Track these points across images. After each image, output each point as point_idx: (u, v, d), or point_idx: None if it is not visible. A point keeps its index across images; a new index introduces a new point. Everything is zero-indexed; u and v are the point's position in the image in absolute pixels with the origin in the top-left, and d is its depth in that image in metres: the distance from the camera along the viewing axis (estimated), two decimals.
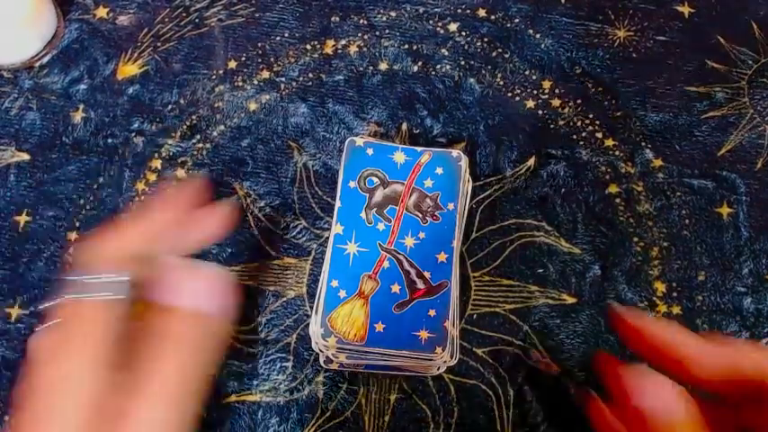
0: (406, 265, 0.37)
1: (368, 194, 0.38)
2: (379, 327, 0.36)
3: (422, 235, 0.38)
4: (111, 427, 0.26)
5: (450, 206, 0.38)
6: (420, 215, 0.38)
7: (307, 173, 0.43)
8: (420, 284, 0.37)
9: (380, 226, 0.38)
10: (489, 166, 0.43)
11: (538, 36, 0.47)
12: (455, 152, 0.40)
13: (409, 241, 0.38)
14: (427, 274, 0.37)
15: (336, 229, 0.38)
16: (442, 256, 0.38)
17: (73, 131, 0.45)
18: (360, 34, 0.47)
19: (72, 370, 0.27)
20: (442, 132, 0.44)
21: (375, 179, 0.38)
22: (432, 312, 0.36)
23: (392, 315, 0.36)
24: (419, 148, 0.39)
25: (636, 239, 0.42)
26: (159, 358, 0.27)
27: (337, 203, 0.39)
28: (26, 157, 0.44)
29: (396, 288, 0.37)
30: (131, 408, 0.27)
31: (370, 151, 0.39)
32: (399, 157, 0.39)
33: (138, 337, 0.28)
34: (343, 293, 0.37)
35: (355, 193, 0.38)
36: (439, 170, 0.39)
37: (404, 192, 0.38)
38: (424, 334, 0.36)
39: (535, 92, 0.46)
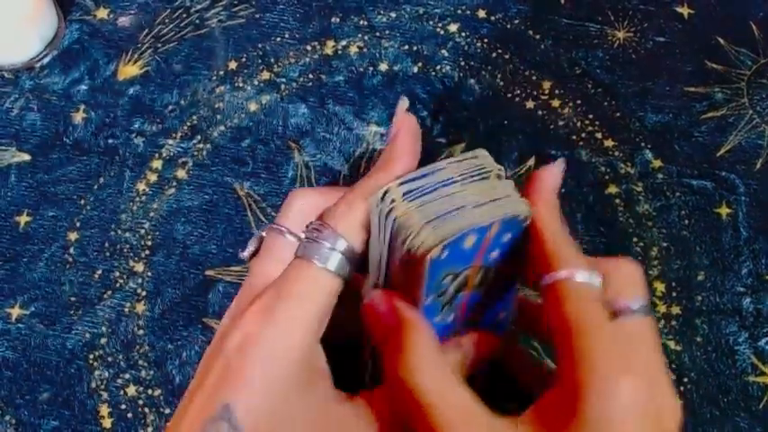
0: None
1: (442, 296, 0.30)
2: None
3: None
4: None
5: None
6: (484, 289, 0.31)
7: (307, 173, 0.44)
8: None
9: (450, 318, 0.31)
10: None
11: (538, 37, 0.47)
12: (522, 213, 0.28)
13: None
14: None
15: None
16: (501, 315, 0.33)
17: (73, 132, 0.45)
18: (360, 35, 0.47)
19: (270, 332, 0.26)
20: (441, 133, 0.44)
21: (449, 278, 0.29)
22: None
23: None
24: (487, 220, 0.27)
25: (635, 239, 0.42)
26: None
27: None
28: (27, 157, 0.44)
29: None
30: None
31: (444, 254, 0.27)
32: (470, 241, 0.28)
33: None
34: None
35: (431, 305, 0.30)
36: (506, 237, 0.29)
37: (470, 276, 0.30)
38: None
39: (535, 92, 0.46)
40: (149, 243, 0.42)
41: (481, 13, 0.48)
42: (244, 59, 0.47)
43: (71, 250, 0.42)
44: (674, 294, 0.41)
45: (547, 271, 0.26)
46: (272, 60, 0.47)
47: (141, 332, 0.40)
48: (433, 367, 0.26)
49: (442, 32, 0.47)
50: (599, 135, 0.45)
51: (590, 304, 0.25)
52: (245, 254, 0.31)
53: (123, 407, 0.39)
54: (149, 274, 0.42)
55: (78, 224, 0.43)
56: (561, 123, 0.45)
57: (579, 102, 0.45)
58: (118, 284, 0.41)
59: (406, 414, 0.26)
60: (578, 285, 0.26)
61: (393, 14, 0.48)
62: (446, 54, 0.47)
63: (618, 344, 0.25)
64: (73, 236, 0.42)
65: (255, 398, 0.25)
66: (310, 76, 0.46)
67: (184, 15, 0.48)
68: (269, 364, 0.25)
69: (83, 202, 0.43)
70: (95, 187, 0.44)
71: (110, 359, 0.40)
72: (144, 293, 0.41)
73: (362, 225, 0.27)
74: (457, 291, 0.29)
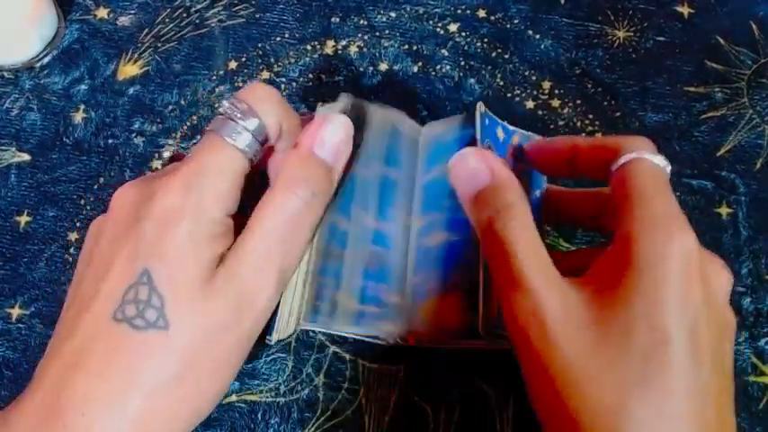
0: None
1: None
2: None
3: None
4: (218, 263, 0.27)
5: (537, 193, 0.36)
6: None
7: None
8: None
9: None
10: None
11: (537, 36, 0.47)
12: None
13: None
14: None
15: None
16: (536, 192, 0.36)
17: (74, 132, 0.45)
18: (360, 35, 0.47)
19: (191, 203, 0.27)
20: None
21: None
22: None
23: None
24: (511, 128, 0.35)
25: None
26: (276, 196, 0.28)
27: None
28: (27, 157, 0.44)
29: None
30: (240, 242, 0.27)
31: (487, 120, 0.33)
32: (500, 133, 0.34)
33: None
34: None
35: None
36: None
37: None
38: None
39: (535, 92, 0.46)
40: None
41: (481, 13, 0.48)
42: (244, 59, 0.47)
43: (71, 250, 0.42)
44: None
45: (614, 157, 0.29)
46: (272, 60, 0.47)
47: None
48: (525, 226, 0.27)
49: (441, 32, 0.47)
50: (599, 135, 0.45)
51: (659, 177, 0.28)
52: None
53: None
54: None
55: (78, 224, 0.43)
56: (561, 123, 0.45)
57: (579, 102, 0.45)
58: None
59: (490, 257, 0.28)
60: (648, 164, 0.28)
61: (393, 14, 0.48)
62: (446, 54, 0.47)
63: (677, 210, 0.27)
64: (73, 236, 0.42)
65: (176, 267, 0.26)
66: (310, 75, 0.46)
67: (184, 15, 0.48)
68: (188, 235, 0.26)
69: (83, 202, 0.43)
70: (95, 187, 0.44)
71: None
72: None
73: (281, 107, 0.29)
74: None
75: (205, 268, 0.26)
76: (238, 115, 0.28)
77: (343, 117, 0.31)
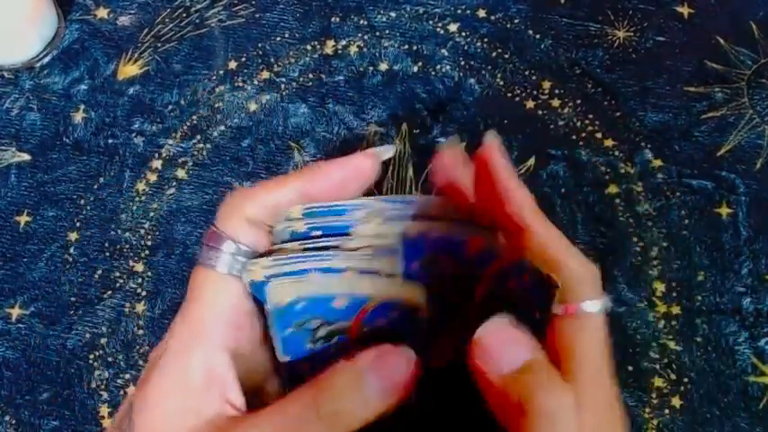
0: None
1: (311, 332, 0.29)
2: None
3: None
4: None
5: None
6: None
7: None
8: None
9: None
10: None
11: (537, 36, 0.47)
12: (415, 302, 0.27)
13: None
14: None
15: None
16: None
17: (73, 132, 0.45)
18: (360, 34, 0.47)
19: (184, 348, 0.26)
20: (442, 133, 0.44)
21: (314, 322, 0.29)
22: None
23: None
24: (360, 292, 0.27)
25: (635, 239, 0.42)
26: (302, 402, 0.25)
27: (279, 354, 0.29)
28: (27, 157, 0.44)
29: None
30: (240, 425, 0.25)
31: (300, 306, 0.28)
32: (341, 302, 0.28)
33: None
34: None
35: (293, 335, 0.29)
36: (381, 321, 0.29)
37: (352, 327, 0.28)
38: None
39: (535, 92, 0.46)
40: (149, 243, 0.42)
41: (481, 13, 0.48)
42: (244, 59, 0.47)
43: (71, 250, 0.42)
44: (674, 294, 0.41)
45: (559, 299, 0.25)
46: (272, 60, 0.47)
47: (141, 332, 0.40)
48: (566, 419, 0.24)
49: (441, 32, 0.47)
50: (599, 135, 0.45)
51: (601, 342, 0.25)
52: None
53: None
54: (149, 274, 0.42)
55: (78, 224, 0.43)
56: (561, 123, 0.45)
57: (579, 101, 0.45)
58: (118, 284, 0.41)
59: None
60: (590, 318, 0.25)
61: (393, 14, 0.48)
62: (446, 54, 0.47)
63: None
64: (73, 236, 0.42)
65: (148, 397, 0.25)
66: (310, 75, 0.46)
67: (184, 15, 0.48)
68: (171, 368, 0.25)
69: (83, 202, 0.43)
70: (95, 187, 0.44)
71: (110, 359, 0.40)
72: (144, 293, 0.41)
73: (251, 222, 0.27)
74: (334, 334, 0.28)
75: (189, 420, 0.25)
76: (217, 243, 0.26)
77: (411, 354, 0.26)
